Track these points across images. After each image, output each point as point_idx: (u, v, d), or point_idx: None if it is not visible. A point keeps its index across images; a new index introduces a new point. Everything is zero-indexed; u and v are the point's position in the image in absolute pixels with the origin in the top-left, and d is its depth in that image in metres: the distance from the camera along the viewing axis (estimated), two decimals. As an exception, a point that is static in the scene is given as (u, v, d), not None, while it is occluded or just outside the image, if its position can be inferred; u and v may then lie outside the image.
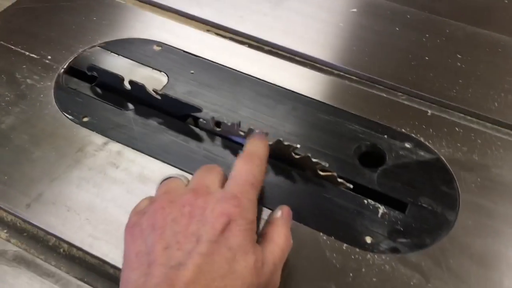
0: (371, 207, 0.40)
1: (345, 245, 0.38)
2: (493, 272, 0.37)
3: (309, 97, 0.48)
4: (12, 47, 0.51)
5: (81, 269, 0.36)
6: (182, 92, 0.48)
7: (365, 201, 0.41)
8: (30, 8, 0.55)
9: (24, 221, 0.39)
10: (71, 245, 0.37)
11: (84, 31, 0.53)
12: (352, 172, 0.42)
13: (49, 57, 0.50)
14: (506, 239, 0.38)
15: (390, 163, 0.43)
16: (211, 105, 0.47)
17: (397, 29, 0.56)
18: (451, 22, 0.56)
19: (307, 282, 0.36)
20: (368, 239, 0.38)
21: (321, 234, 0.38)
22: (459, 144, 0.44)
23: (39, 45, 0.51)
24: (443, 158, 0.43)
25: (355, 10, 0.58)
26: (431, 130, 0.45)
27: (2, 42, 0.51)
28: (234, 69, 0.50)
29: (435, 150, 0.44)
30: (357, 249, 0.38)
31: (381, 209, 0.40)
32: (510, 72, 0.51)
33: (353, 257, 0.37)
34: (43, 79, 0.48)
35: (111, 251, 0.37)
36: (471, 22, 0.56)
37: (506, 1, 0.59)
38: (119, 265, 0.34)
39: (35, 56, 0.50)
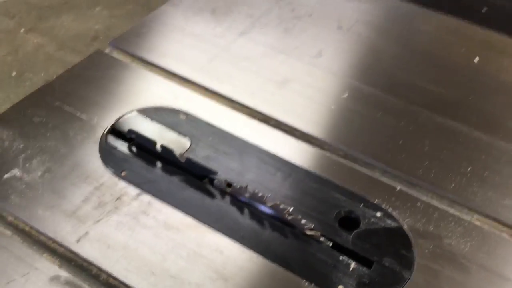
0: (344, 262, 0.51)
1: (321, 291, 0.49)
2: (435, 321, 0.47)
3: (303, 168, 0.60)
4: (66, 107, 0.63)
5: (116, 295, 0.47)
6: (201, 156, 0.59)
7: (341, 257, 0.51)
8: (81, 75, 0.68)
9: (73, 253, 0.49)
10: (109, 275, 0.48)
11: (125, 97, 0.65)
12: (332, 232, 0.53)
13: (96, 119, 0.62)
14: (448, 296, 0.49)
15: (363, 228, 0.54)
16: (225, 168, 0.58)
17: (379, 114, 0.68)
18: (424, 112, 0.68)
19: (290, 318, 0.46)
20: None
21: (304, 280, 0.49)
22: (419, 216, 0.56)
23: (87, 108, 0.63)
24: (405, 227, 0.55)
25: (346, 95, 0.70)
26: (398, 203, 0.57)
27: (58, 103, 0.63)
28: (244, 139, 0.62)
29: (400, 220, 0.55)
30: (331, 295, 0.48)
31: (353, 264, 0.51)
32: (467, 159, 0.62)
33: (327, 301, 0.48)
34: (90, 137, 0.60)
35: (140, 282, 0.47)
36: (440, 113, 0.68)
37: (470, 98, 0.71)
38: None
39: (84, 117, 0.62)
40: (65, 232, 0.50)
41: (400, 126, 0.66)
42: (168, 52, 0.73)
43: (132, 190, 0.55)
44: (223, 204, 0.55)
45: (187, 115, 0.64)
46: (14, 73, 1.96)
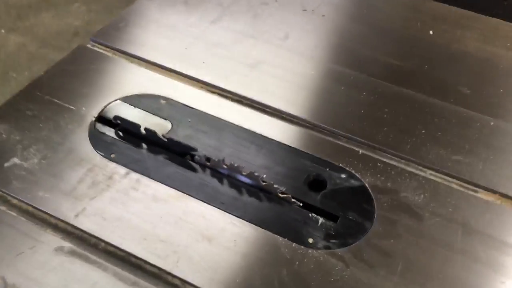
0: (313, 218, 0.58)
1: (294, 244, 0.55)
2: (393, 260, 0.55)
3: (274, 140, 0.66)
4: (56, 100, 0.69)
5: (114, 259, 0.54)
6: (182, 135, 0.65)
7: (310, 215, 0.59)
8: (67, 70, 0.74)
9: (73, 227, 0.56)
10: (106, 243, 0.55)
11: (109, 87, 0.71)
12: (302, 194, 0.60)
13: (84, 109, 0.68)
14: (404, 241, 0.56)
15: (330, 188, 0.61)
16: (203, 145, 0.65)
17: (342, 88, 0.74)
18: (383, 83, 0.75)
19: (267, 268, 0.53)
20: (310, 240, 0.56)
21: (279, 237, 0.56)
22: (379, 175, 0.63)
23: (75, 99, 0.69)
24: (367, 185, 0.62)
25: (312, 73, 0.77)
26: (360, 165, 0.64)
27: (48, 97, 0.69)
28: (221, 118, 0.69)
29: (362, 179, 0.62)
30: (302, 247, 0.55)
31: (320, 220, 0.58)
32: (421, 123, 0.69)
33: (299, 251, 0.55)
34: (80, 125, 0.66)
35: (134, 247, 0.54)
36: (398, 83, 0.75)
37: (425, 67, 0.78)
38: (140, 256, 0.51)
39: (73, 108, 0.68)
40: (64, 209, 0.57)
41: (361, 97, 0.73)
42: (146, 43, 0.79)
43: (122, 170, 0.61)
44: (204, 177, 0.62)
45: (167, 100, 0.70)
46: (-2, 74, 2.00)
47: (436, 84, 0.76)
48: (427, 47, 0.83)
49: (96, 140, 0.64)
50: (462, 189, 0.62)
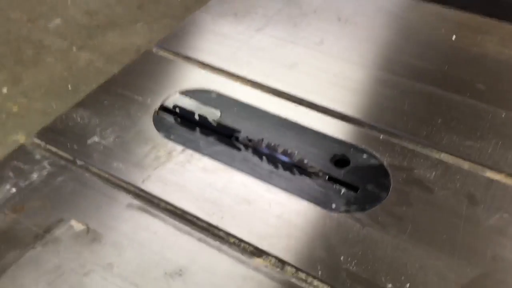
0: (337, 189, 0.69)
1: (319, 207, 0.66)
2: (404, 223, 0.64)
3: (307, 127, 0.77)
4: (127, 93, 0.83)
5: (173, 215, 0.66)
6: (228, 121, 0.78)
7: (334, 186, 0.69)
8: (136, 69, 0.89)
9: (140, 189, 0.69)
10: (167, 203, 0.68)
11: (170, 83, 0.85)
12: (329, 170, 0.71)
13: (149, 100, 0.82)
14: (415, 208, 0.66)
15: (352, 166, 0.72)
16: (246, 129, 0.76)
17: (370, 85, 0.85)
18: (407, 81, 0.85)
19: (294, 226, 0.64)
20: (333, 205, 0.67)
21: (306, 201, 0.67)
22: (396, 156, 0.73)
23: (142, 93, 0.83)
24: (385, 164, 0.72)
25: (344, 72, 0.88)
26: (380, 148, 0.74)
27: (120, 90, 0.84)
28: (262, 109, 0.81)
29: (381, 159, 0.72)
30: (326, 210, 0.66)
31: (343, 190, 0.68)
32: (438, 114, 0.79)
33: (323, 214, 0.66)
34: (146, 113, 0.80)
35: (189, 206, 0.67)
36: (419, 80, 0.85)
37: (446, 68, 0.87)
38: (193, 213, 0.64)
39: (140, 99, 0.82)
40: (133, 176, 0.70)
41: (386, 92, 0.83)
42: (201, 48, 0.93)
43: (179, 148, 0.74)
44: (246, 154, 0.74)
45: (217, 93, 0.83)
46: (70, 87, 2.23)
47: (455, 81, 0.85)
48: (449, 51, 0.92)
49: (159, 124, 0.78)
50: (470, 168, 0.71)
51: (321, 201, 0.67)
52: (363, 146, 0.74)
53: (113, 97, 0.83)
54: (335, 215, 0.66)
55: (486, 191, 0.68)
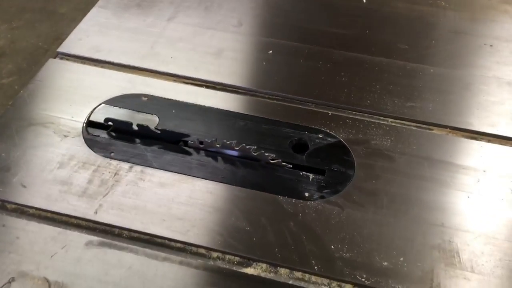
0: (305, 176, 0.67)
1: (293, 199, 0.64)
2: (377, 197, 0.64)
3: (254, 115, 0.74)
4: (44, 113, 0.72)
5: (141, 243, 0.59)
6: (171, 125, 0.71)
7: (301, 173, 0.67)
8: (45, 84, 0.77)
9: (95, 222, 0.61)
10: (130, 230, 0.60)
11: (90, 94, 0.75)
12: (289, 157, 0.69)
13: (72, 117, 0.72)
14: (383, 180, 0.66)
15: (312, 148, 0.70)
16: (193, 130, 0.71)
17: (300, 61, 0.83)
18: (334, 51, 0.85)
19: (276, 224, 0.61)
20: (306, 194, 0.65)
21: (279, 196, 0.64)
22: (350, 130, 0.72)
23: (62, 109, 0.73)
24: (342, 140, 0.71)
25: (271, 51, 0.85)
26: (332, 124, 0.73)
27: (37, 110, 0.72)
28: (200, 105, 0.75)
29: (337, 136, 0.71)
30: (301, 201, 0.64)
31: (311, 176, 0.67)
32: (375, 80, 0.80)
33: (299, 205, 0.63)
34: (72, 132, 0.70)
35: (156, 229, 0.60)
36: (346, 49, 0.85)
37: (367, 32, 0.88)
38: (163, 235, 0.58)
39: (62, 117, 0.72)
40: (83, 209, 0.61)
41: (319, 66, 0.82)
42: (113, 48, 0.83)
43: (125, 165, 0.66)
44: (200, 158, 0.68)
45: (147, 96, 0.76)
46: None
47: (379, 45, 0.86)
48: (363, 15, 0.93)
49: (92, 143, 0.69)
50: (419, 129, 0.73)
51: (293, 192, 0.65)
52: (316, 126, 0.73)
53: (27, 122, 0.71)
54: (311, 203, 0.64)
55: (440, 148, 0.70)
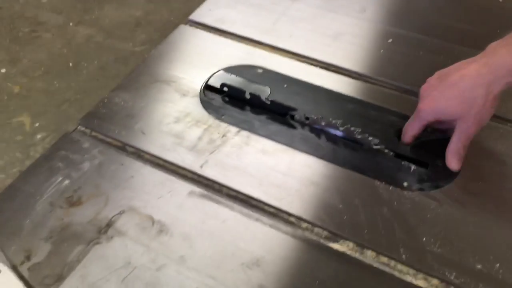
0: (406, 166, 0.66)
1: (391, 187, 0.63)
2: (480, 199, 0.61)
3: (363, 100, 0.74)
4: (169, 71, 0.79)
5: (238, 201, 0.63)
6: (280, 98, 0.74)
7: (402, 163, 0.66)
8: (173, 47, 0.83)
9: (199, 176, 0.65)
10: (229, 188, 0.64)
11: (211, 60, 0.80)
12: (394, 145, 0.68)
13: (192, 78, 0.77)
14: (491, 184, 0.63)
15: (419, 140, 0.68)
16: (301, 105, 0.73)
17: (421, 53, 0.81)
18: (458, 47, 0.81)
19: (369, 207, 0.61)
20: (405, 183, 0.64)
21: (377, 181, 0.64)
22: (462, 128, 0.69)
23: (185, 71, 0.79)
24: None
25: (390, 40, 0.84)
26: (444, 120, 0.71)
27: (162, 69, 0.79)
28: (311, 83, 0.77)
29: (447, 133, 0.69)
30: (398, 189, 0.63)
31: (413, 167, 0.65)
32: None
33: (396, 193, 0.63)
34: (191, 92, 0.76)
35: (253, 191, 0.63)
36: (471, 46, 0.81)
37: (498, 31, 0.83)
38: (259, 198, 0.61)
39: (183, 77, 0.78)
40: (190, 162, 0.66)
41: (439, 61, 0.79)
42: (238, 21, 0.88)
43: (233, 129, 0.70)
44: (304, 133, 0.70)
45: (263, 69, 0.79)
46: (71, 64, 2.15)
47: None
48: (497, 13, 0.88)
49: (207, 105, 0.74)
50: (541, 138, 0.68)
51: (391, 180, 0.64)
52: (425, 119, 0.71)
53: (153, 78, 0.78)
54: (409, 193, 0.63)
55: (561, 161, 0.65)
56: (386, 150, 0.67)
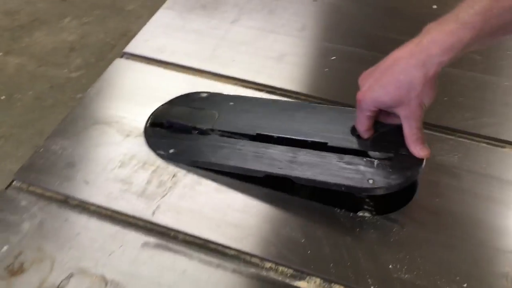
0: (369, 162, 0.62)
1: (351, 213, 0.62)
2: (440, 217, 0.61)
3: (318, 105, 0.71)
4: (110, 111, 0.74)
5: (195, 247, 0.59)
6: (230, 119, 0.70)
7: (365, 159, 0.62)
8: (111, 84, 0.79)
9: (152, 223, 0.61)
10: (185, 234, 0.60)
11: (153, 94, 0.76)
12: (352, 143, 0.64)
13: (135, 116, 0.73)
14: (448, 199, 0.63)
15: (378, 133, 0.64)
16: (251, 121, 0.69)
17: (363, 68, 0.80)
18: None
19: (332, 238, 0.60)
20: (371, 181, 0.60)
21: (336, 209, 0.62)
22: (414, 143, 0.69)
23: (124, 109, 0.74)
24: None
25: (334, 58, 0.83)
26: (395, 136, 0.70)
27: (100, 110, 0.74)
28: (258, 97, 0.75)
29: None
30: (359, 215, 0.62)
31: (376, 161, 0.62)
32: (442, 91, 0.75)
33: (357, 220, 0.61)
34: (134, 131, 0.71)
35: (211, 234, 0.60)
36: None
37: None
38: (218, 241, 0.58)
39: (125, 116, 0.73)
40: (141, 209, 0.62)
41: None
42: (177, 50, 0.84)
43: (183, 168, 0.67)
44: (257, 150, 0.65)
45: (207, 93, 0.75)
46: (3, 97, 2.03)
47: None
48: (432, 21, 0.89)
49: (153, 143, 0.70)
50: (490, 146, 0.69)
51: (357, 180, 0.60)
52: (377, 138, 0.70)
53: (92, 120, 0.73)
54: (369, 218, 0.61)
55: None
56: (347, 149, 0.64)
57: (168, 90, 0.77)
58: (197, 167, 0.67)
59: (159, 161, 0.68)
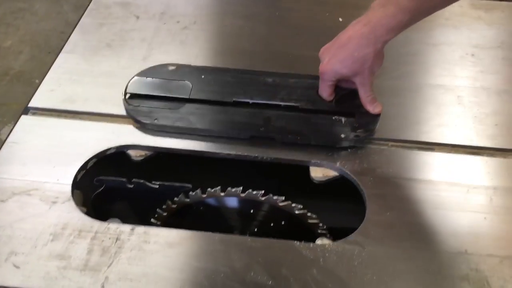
0: (337, 119, 0.71)
1: (312, 244, 0.61)
2: (394, 230, 0.62)
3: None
4: (26, 178, 0.66)
5: None
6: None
7: (333, 117, 0.72)
8: (22, 143, 0.70)
9: None
10: None
11: (72, 152, 0.69)
12: (319, 104, 0.73)
13: (58, 179, 0.66)
14: (397, 211, 0.64)
15: (339, 95, 0.74)
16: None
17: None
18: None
19: (298, 274, 0.58)
20: (343, 135, 0.70)
21: (295, 242, 0.61)
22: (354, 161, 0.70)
23: (48, 172, 0.67)
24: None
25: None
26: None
27: (16, 174, 0.66)
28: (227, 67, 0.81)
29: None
30: (319, 244, 0.61)
31: (343, 119, 0.72)
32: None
33: (318, 250, 0.60)
34: (61, 197, 0.64)
35: (173, 297, 0.55)
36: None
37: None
38: None
39: (48, 180, 0.66)
40: (87, 285, 0.56)
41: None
42: (89, 96, 0.77)
43: (126, 227, 0.61)
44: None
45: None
46: None
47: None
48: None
49: (136, 113, 0.71)
50: (420, 151, 0.72)
51: (329, 135, 0.70)
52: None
53: (8, 192, 0.65)
54: (330, 245, 0.61)
55: (444, 169, 0.69)
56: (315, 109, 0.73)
57: (88, 143, 0.71)
58: (182, 133, 0.70)
59: (97, 225, 0.62)
